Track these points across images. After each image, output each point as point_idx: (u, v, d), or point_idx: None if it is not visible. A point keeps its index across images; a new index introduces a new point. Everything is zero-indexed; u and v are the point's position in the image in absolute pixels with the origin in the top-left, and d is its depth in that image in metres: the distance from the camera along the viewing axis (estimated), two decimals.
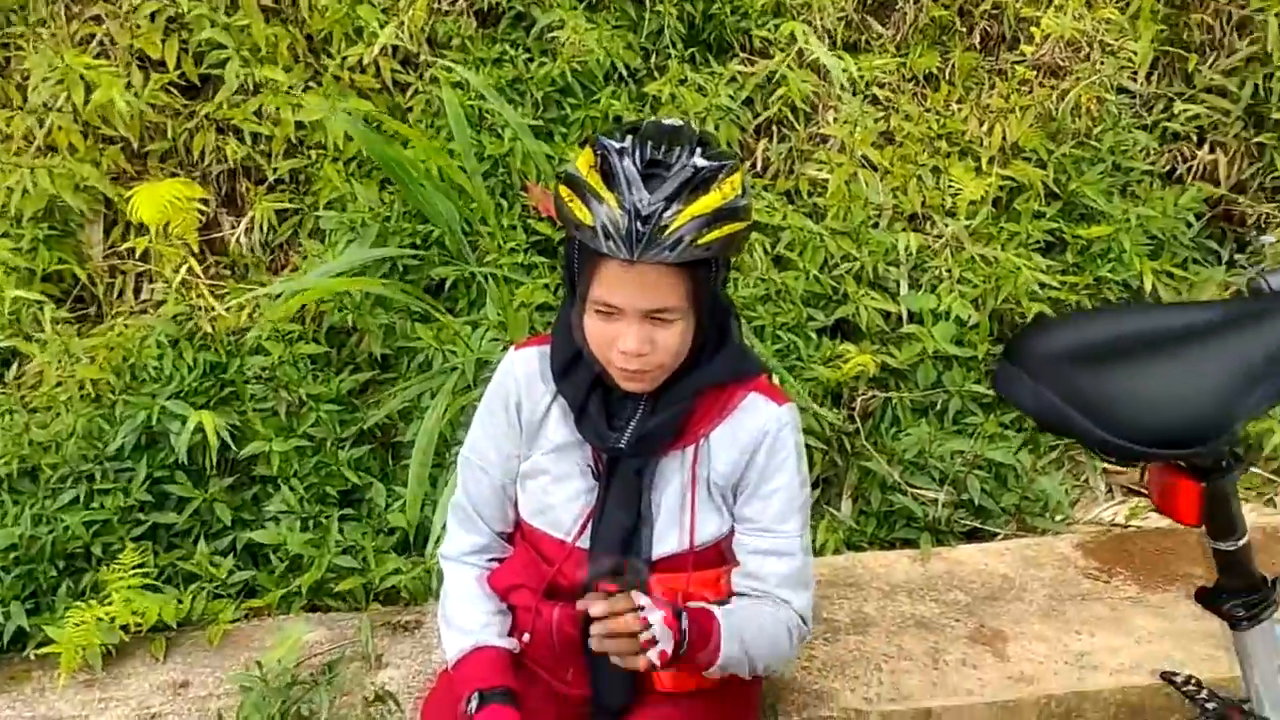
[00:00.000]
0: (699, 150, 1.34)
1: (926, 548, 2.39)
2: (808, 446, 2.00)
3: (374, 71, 2.88)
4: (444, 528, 1.74)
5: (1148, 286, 2.81)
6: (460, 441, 2.56)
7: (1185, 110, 3.06)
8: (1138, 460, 1.00)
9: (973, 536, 2.48)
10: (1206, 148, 3.10)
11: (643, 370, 1.40)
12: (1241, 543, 1.07)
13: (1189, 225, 3.03)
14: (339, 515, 2.40)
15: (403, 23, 2.83)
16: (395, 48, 2.89)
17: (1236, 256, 3.08)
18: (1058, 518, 2.55)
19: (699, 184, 1.32)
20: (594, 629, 1.34)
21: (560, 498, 1.55)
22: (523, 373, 1.56)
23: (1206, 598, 1.13)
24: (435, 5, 2.93)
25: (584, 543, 1.53)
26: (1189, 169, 3.13)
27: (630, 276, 1.32)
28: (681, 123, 1.43)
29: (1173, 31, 3.14)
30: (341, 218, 2.69)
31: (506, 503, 1.63)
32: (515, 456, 1.59)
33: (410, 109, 2.91)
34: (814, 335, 2.69)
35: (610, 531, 1.52)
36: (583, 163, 1.37)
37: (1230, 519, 1.07)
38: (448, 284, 2.68)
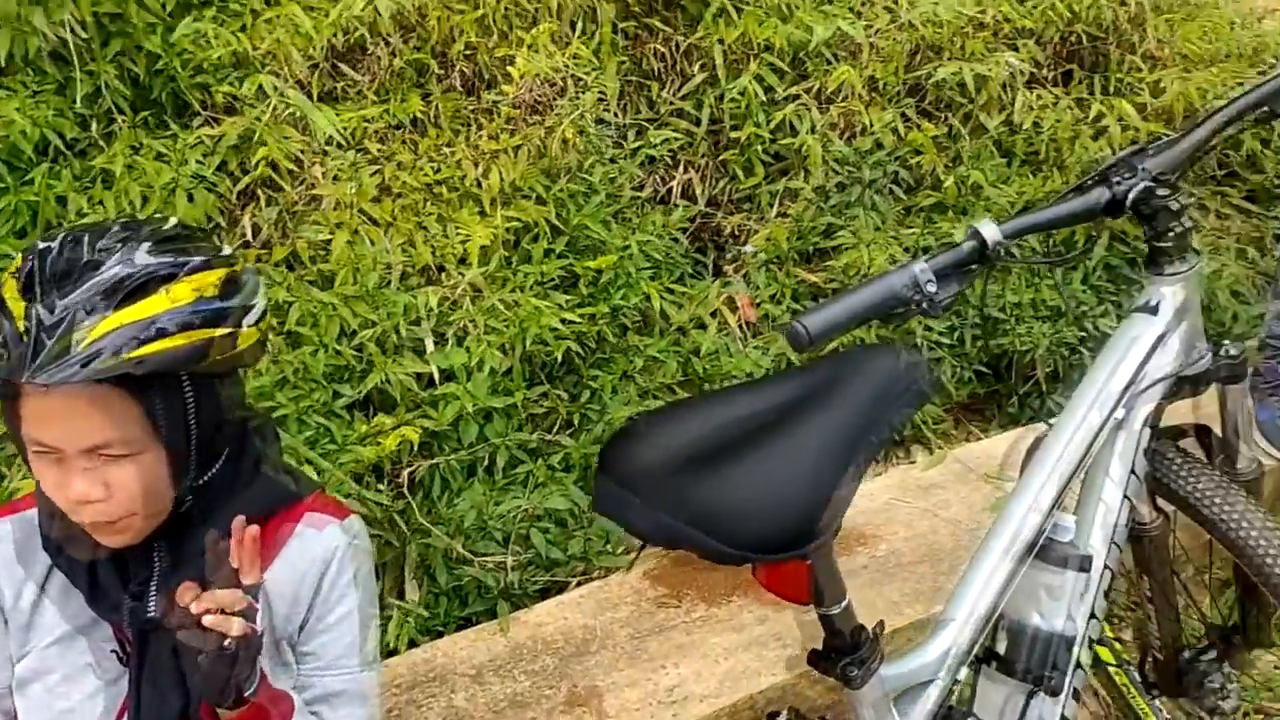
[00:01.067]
0: (149, 246, 1.11)
1: (504, 618, 2.28)
2: None
3: None
4: None
5: (656, 307, 2.94)
6: None
7: (659, 136, 3.25)
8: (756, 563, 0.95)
9: (548, 592, 2.42)
10: (681, 168, 3.32)
11: (106, 521, 1.15)
12: (844, 603, 1.08)
13: (676, 241, 3.23)
14: None
15: None
16: None
17: (723, 266, 3.34)
18: (619, 550, 2.58)
19: (136, 287, 1.08)
20: (194, 607, 1.10)
21: (78, 698, 1.25)
22: None
23: (819, 661, 1.13)
24: None
25: None
26: (669, 190, 3.33)
27: (54, 406, 1.08)
28: (159, 220, 1.19)
29: (633, 63, 3.32)
30: None
31: None
32: (6, 660, 1.26)
33: None
34: (345, 413, 2.47)
35: None
36: (9, 271, 1.11)
37: (835, 585, 1.06)
38: None
